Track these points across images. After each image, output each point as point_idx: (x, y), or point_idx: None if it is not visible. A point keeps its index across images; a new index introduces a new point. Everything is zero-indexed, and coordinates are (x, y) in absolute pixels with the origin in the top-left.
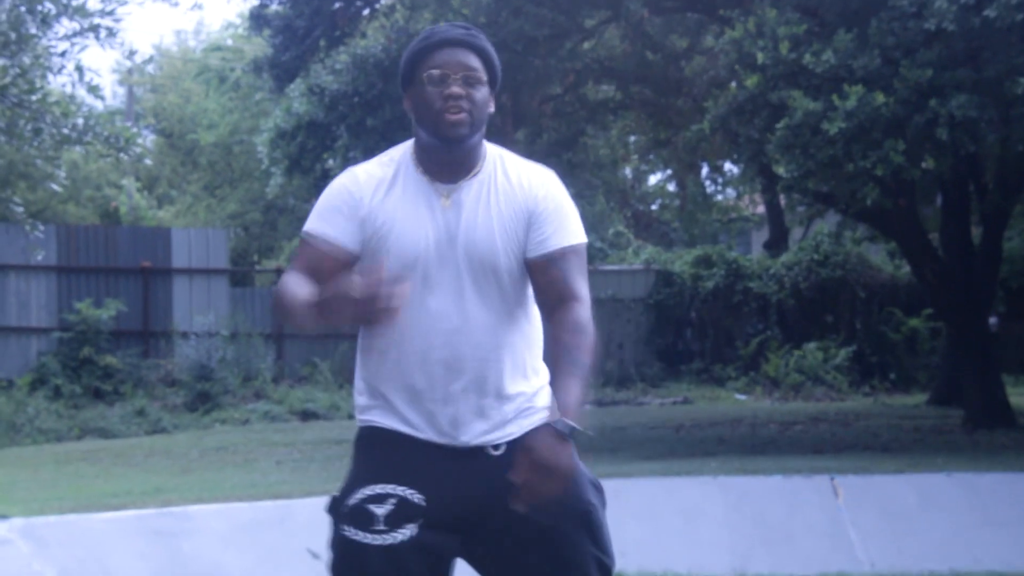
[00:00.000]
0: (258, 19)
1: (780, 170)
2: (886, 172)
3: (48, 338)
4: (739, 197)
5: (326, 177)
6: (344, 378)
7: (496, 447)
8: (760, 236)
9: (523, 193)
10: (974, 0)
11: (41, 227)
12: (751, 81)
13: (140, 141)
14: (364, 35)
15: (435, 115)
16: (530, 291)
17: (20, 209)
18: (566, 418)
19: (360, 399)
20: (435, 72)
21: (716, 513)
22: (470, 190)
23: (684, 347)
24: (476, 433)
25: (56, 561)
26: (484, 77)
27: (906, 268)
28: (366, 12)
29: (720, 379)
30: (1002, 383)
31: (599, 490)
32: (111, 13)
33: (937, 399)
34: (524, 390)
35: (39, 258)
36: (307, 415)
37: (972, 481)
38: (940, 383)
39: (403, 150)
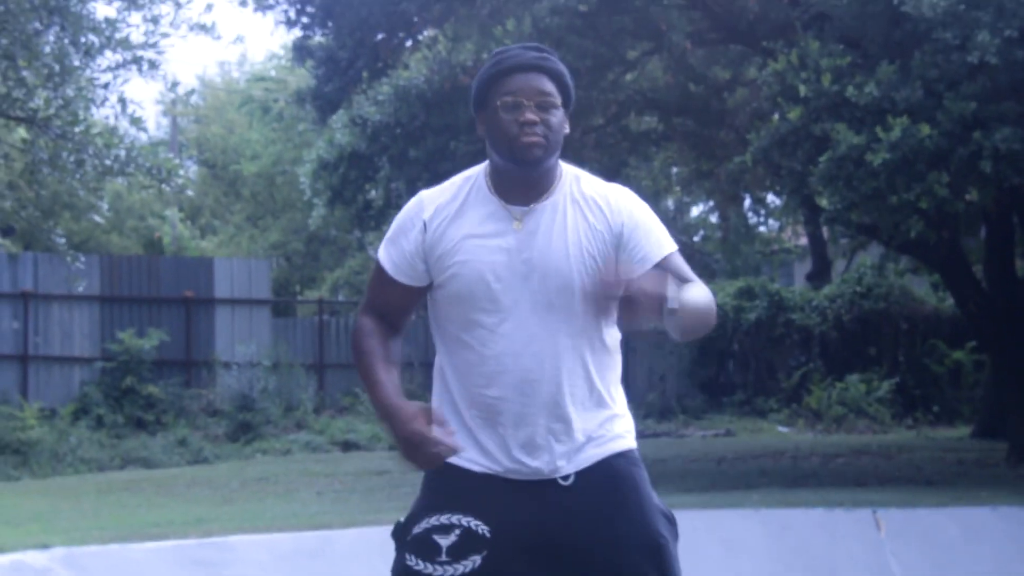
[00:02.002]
0: (301, 50)
1: (823, 202)
2: (930, 205)
3: (91, 368)
4: (781, 229)
5: (368, 208)
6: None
7: (565, 478)
8: (803, 268)
9: (603, 211)
10: (1017, 34)
11: (82, 258)
12: (794, 113)
13: (182, 172)
14: (407, 66)
15: (510, 140)
16: (611, 319)
17: (62, 240)
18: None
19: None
20: (508, 99)
21: (757, 545)
22: (544, 212)
23: (726, 379)
24: (547, 460)
25: None
26: (558, 101)
27: (950, 300)
28: (409, 43)
29: (762, 411)
30: None
31: (671, 522)
32: (154, 45)
33: (981, 432)
34: (599, 418)
35: (80, 289)
36: (348, 446)
37: (1016, 515)
38: (984, 416)
39: (476, 172)
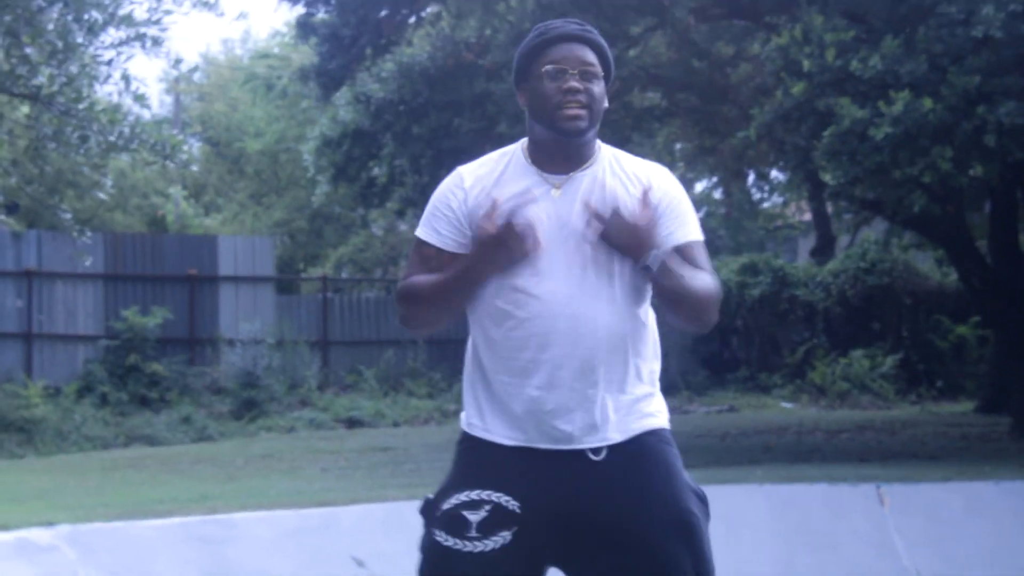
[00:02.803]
0: (304, 28)
1: (827, 177)
2: (934, 179)
3: (95, 346)
4: (785, 204)
5: (372, 185)
6: (389, 385)
7: (596, 451)
8: (807, 243)
9: (642, 186)
10: (1022, 7)
11: (89, 233)
12: (797, 88)
13: (186, 148)
14: (410, 43)
15: (552, 109)
16: (646, 293)
17: (68, 216)
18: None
19: (465, 395)
20: (552, 67)
21: (761, 521)
22: (582, 180)
23: (730, 355)
24: (579, 425)
25: (103, 567)
26: (600, 72)
27: (953, 275)
28: (412, 20)
29: (766, 387)
30: None
31: (703, 501)
32: (157, 22)
33: (985, 407)
34: (633, 391)
35: (87, 264)
36: (352, 423)
37: (1019, 489)
38: (988, 391)
39: (515, 147)
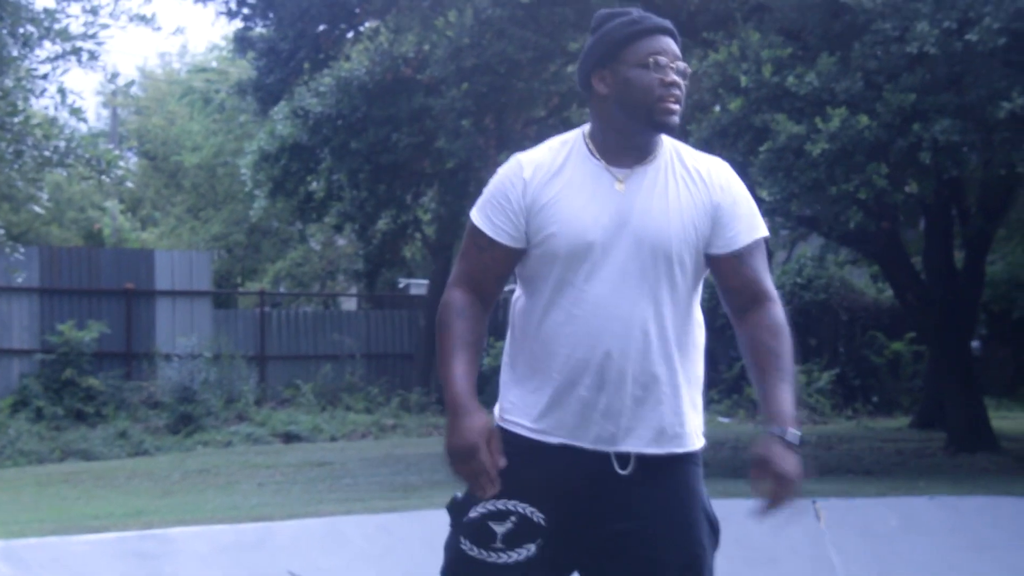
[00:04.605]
0: (242, 41)
1: (763, 193)
2: (869, 195)
3: (30, 360)
4: None
5: (310, 200)
6: (326, 400)
7: (624, 465)
8: None
9: (704, 183)
10: (956, 24)
11: (21, 249)
12: (734, 104)
13: (122, 163)
14: (348, 58)
15: (653, 101)
16: (698, 293)
17: (1, 231)
18: (787, 426)
19: (505, 388)
20: (654, 59)
21: None
22: (645, 175)
23: None
24: (622, 427)
25: None
26: (687, 69)
27: (889, 292)
28: (350, 35)
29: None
30: (984, 406)
31: (715, 530)
32: (93, 36)
33: (920, 422)
34: (678, 401)
35: (19, 280)
36: (289, 437)
37: (954, 504)
38: (923, 406)
39: (575, 135)
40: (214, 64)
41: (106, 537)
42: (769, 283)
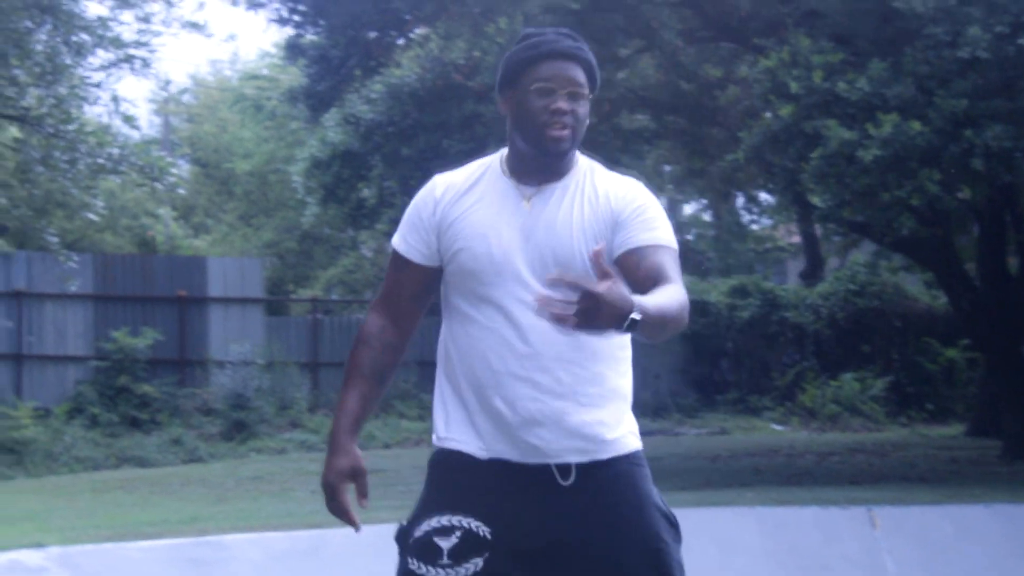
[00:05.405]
0: (294, 49)
1: (815, 200)
2: (922, 201)
3: (85, 367)
4: (774, 226)
5: (361, 206)
6: (379, 407)
7: (565, 475)
8: (796, 265)
9: (608, 200)
10: (1008, 29)
11: (75, 257)
12: (785, 110)
13: (174, 171)
14: (399, 64)
15: (538, 128)
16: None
17: (55, 239)
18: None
19: (435, 409)
20: (542, 85)
21: (752, 544)
22: (553, 193)
23: (720, 377)
24: (546, 439)
25: None
26: (588, 92)
27: (943, 298)
28: (401, 41)
29: (756, 409)
30: None
31: (673, 525)
32: (146, 44)
33: (974, 430)
34: (602, 406)
35: (73, 288)
36: None
37: (1010, 512)
38: (977, 413)
39: (493, 157)
40: (265, 71)
41: (161, 543)
42: (677, 276)
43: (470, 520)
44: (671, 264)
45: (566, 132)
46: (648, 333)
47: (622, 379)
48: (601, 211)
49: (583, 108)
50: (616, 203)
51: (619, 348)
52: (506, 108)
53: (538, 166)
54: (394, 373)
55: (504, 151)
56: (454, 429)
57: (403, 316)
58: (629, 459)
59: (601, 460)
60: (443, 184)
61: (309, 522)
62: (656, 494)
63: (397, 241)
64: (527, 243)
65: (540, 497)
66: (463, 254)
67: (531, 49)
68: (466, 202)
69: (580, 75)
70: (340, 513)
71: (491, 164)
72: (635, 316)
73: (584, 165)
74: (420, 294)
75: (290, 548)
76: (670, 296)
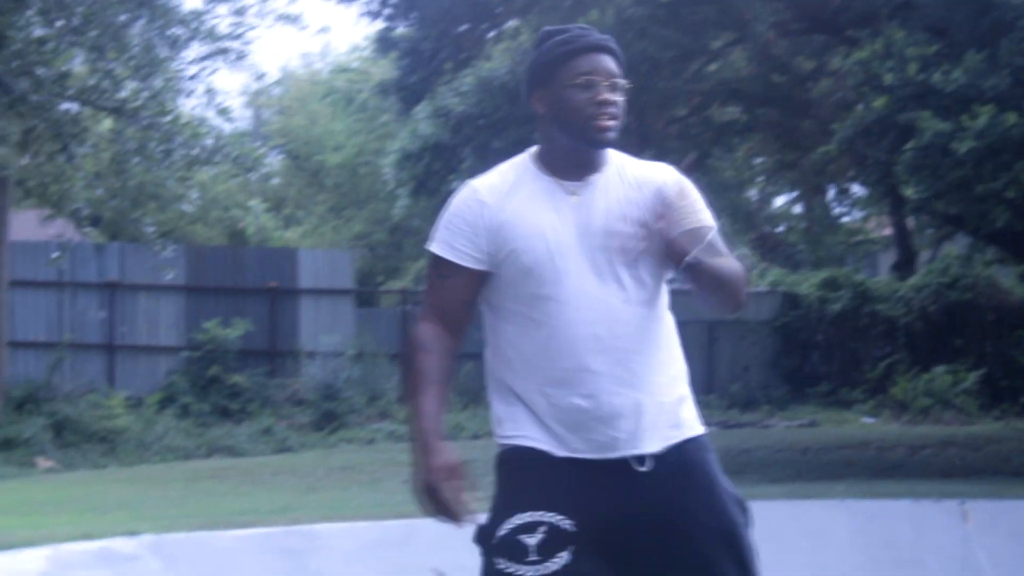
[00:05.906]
0: (385, 42)
1: (908, 192)
2: (1017, 194)
3: (177, 357)
4: (866, 219)
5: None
6: (469, 398)
7: (640, 462)
8: (887, 258)
9: (646, 186)
10: None
11: (173, 246)
12: (879, 102)
13: (267, 162)
14: (490, 57)
15: (584, 120)
16: (659, 293)
17: (151, 229)
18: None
19: (497, 409)
20: (583, 79)
21: (843, 537)
22: (596, 185)
23: (810, 370)
24: (624, 431)
25: None
26: (624, 83)
27: None
28: (491, 34)
29: (847, 402)
30: None
31: (744, 508)
32: (240, 37)
33: None
34: (670, 393)
35: (168, 277)
36: None
37: None
38: None
39: (523, 158)
40: (356, 64)
41: (253, 532)
42: (726, 251)
43: (552, 515)
44: (721, 244)
45: (613, 122)
46: (704, 284)
47: (682, 365)
48: (646, 197)
49: (622, 98)
50: (654, 187)
51: (672, 332)
52: (541, 107)
53: (580, 160)
54: (452, 379)
55: (533, 151)
56: (524, 427)
57: (454, 322)
58: (697, 443)
59: (673, 445)
60: (484, 187)
61: (399, 512)
62: (725, 478)
63: (442, 248)
64: (583, 236)
65: (616, 485)
66: (520, 255)
67: (565, 45)
68: (512, 203)
69: (615, 67)
70: (443, 511)
71: (523, 164)
72: (696, 259)
73: (614, 156)
74: (470, 300)
75: (380, 538)
76: (729, 261)
